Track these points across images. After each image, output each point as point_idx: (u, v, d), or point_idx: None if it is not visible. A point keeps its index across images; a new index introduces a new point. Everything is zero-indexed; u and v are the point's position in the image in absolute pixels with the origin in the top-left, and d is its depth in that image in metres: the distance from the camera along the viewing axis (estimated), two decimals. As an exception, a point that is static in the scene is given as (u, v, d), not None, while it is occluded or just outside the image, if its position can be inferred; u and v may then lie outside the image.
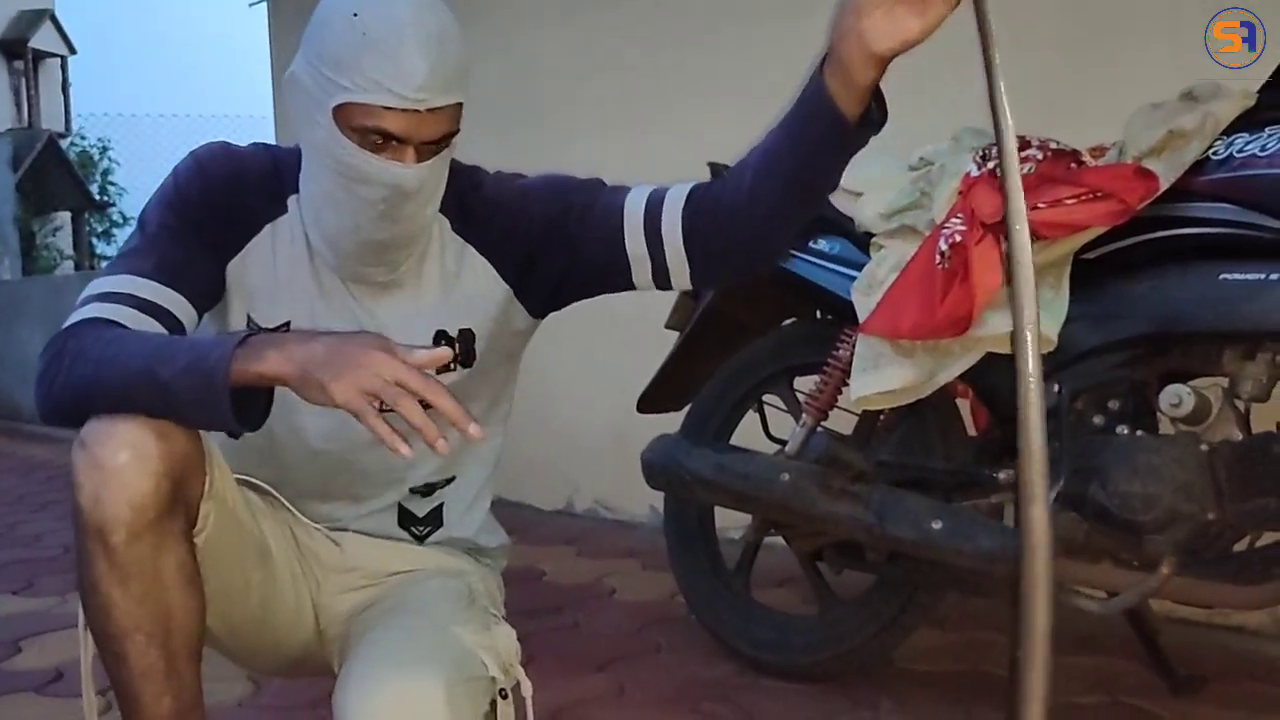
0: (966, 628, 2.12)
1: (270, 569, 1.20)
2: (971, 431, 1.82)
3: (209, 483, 1.06)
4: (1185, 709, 1.73)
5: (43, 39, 18.16)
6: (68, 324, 1.07)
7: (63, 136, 17.01)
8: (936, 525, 1.58)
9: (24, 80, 17.97)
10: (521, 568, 2.63)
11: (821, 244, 1.82)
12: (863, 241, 1.77)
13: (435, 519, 1.30)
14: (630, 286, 1.20)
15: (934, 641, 2.05)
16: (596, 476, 3.31)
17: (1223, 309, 1.42)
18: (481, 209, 1.21)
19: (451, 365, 1.21)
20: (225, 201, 1.16)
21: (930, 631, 2.02)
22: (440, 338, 1.20)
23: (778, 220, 1.09)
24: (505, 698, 1.11)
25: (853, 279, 1.72)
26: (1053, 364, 1.54)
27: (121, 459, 0.98)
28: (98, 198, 17.36)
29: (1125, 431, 1.51)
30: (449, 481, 1.29)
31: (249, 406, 1.01)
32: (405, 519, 1.29)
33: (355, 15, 1.04)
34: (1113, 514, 1.47)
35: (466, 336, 1.22)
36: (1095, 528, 1.50)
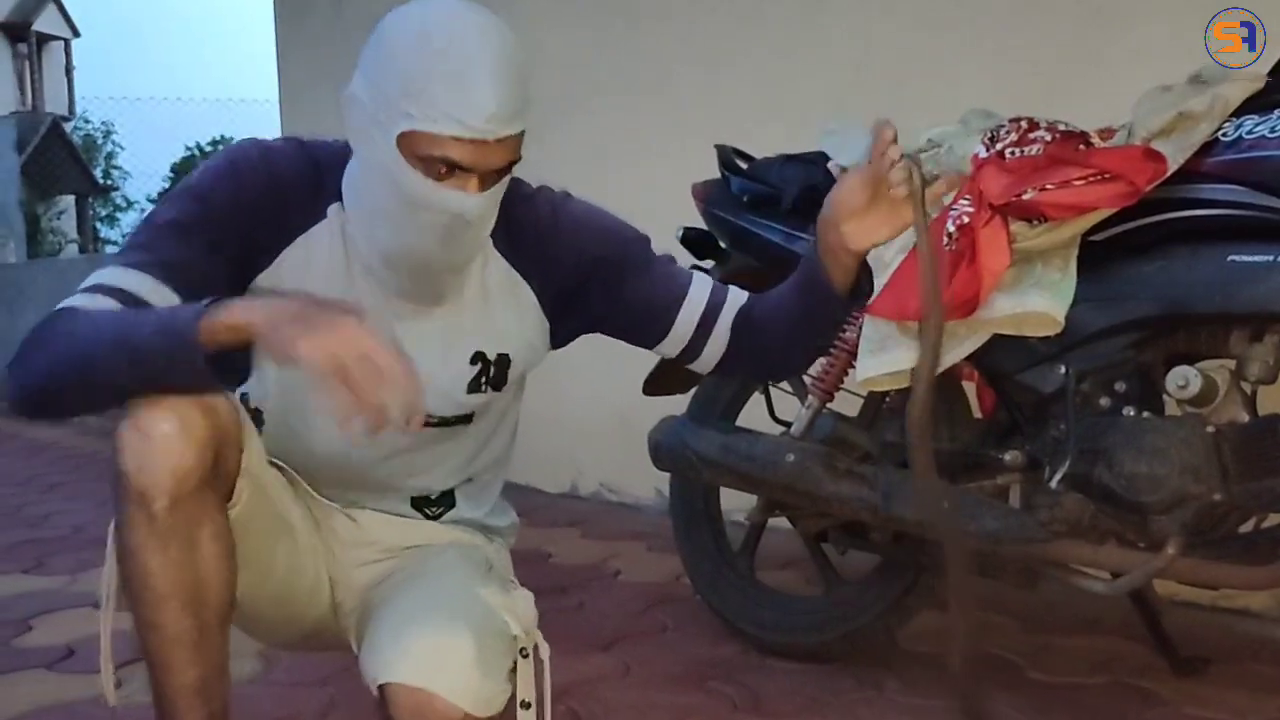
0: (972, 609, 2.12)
1: (293, 543, 1.22)
2: (977, 414, 1.83)
3: (245, 457, 1.08)
4: (1188, 690, 1.73)
5: (46, 22, 18.14)
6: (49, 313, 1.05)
7: (66, 120, 17.02)
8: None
9: (27, 63, 17.96)
10: (527, 549, 2.64)
11: (829, 226, 1.82)
12: (870, 223, 1.77)
13: (448, 501, 1.33)
14: (646, 347, 1.28)
15: (938, 623, 2.05)
16: (601, 459, 3.32)
17: (1230, 291, 1.42)
18: (533, 232, 1.21)
19: (483, 388, 1.23)
20: (256, 215, 1.14)
21: (934, 613, 2.03)
22: (478, 359, 1.21)
23: (791, 352, 1.26)
24: (526, 657, 1.14)
25: (860, 261, 1.72)
26: (1060, 346, 1.54)
27: (166, 427, 0.99)
28: (101, 181, 17.37)
29: (1132, 413, 1.51)
30: (466, 481, 1.33)
31: (222, 367, 0.99)
32: (418, 503, 1.32)
33: (422, 39, 1.02)
34: (1119, 495, 1.48)
35: (503, 361, 1.23)
36: (1101, 509, 1.51)
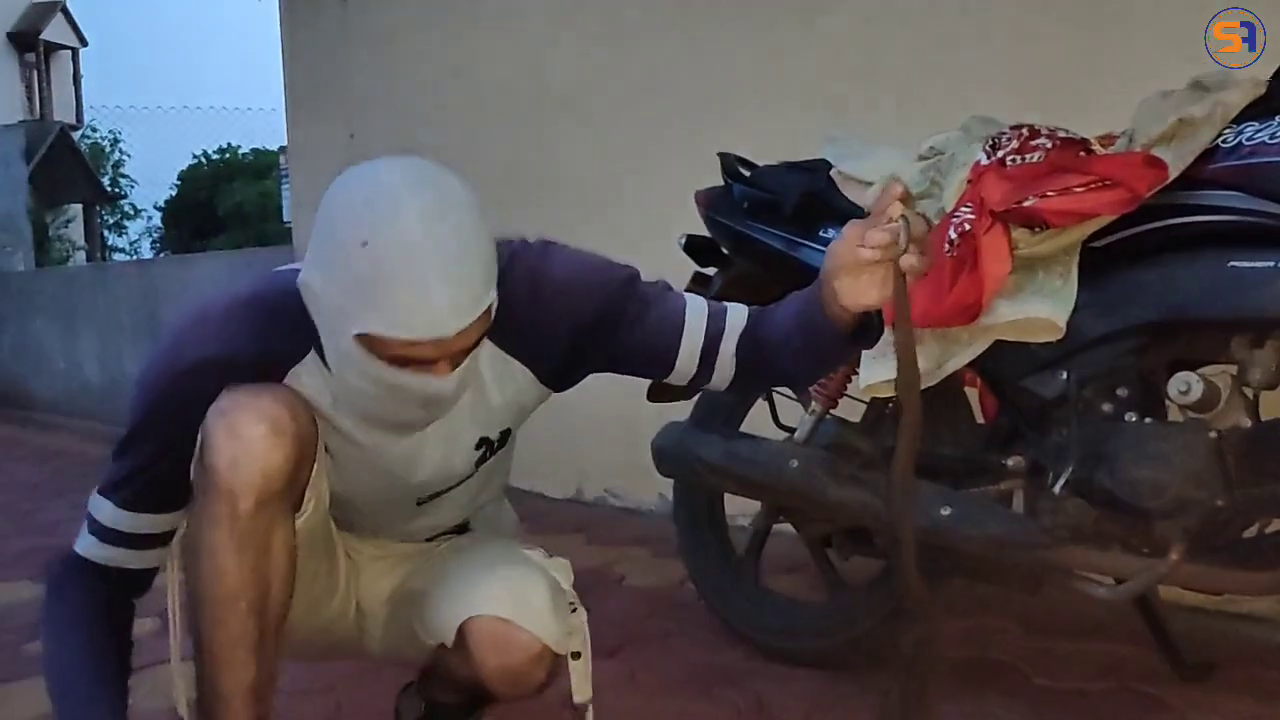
0: (974, 614, 2.13)
1: (332, 559, 1.26)
2: (980, 419, 1.83)
3: (315, 471, 1.11)
4: (1193, 695, 1.73)
5: (54, 31, 18.22)
6: (71, 552, 1.22)
7: (74, 128, 17.07)
8: (945, 511, 1.59)
9: (35, 72, 18.04)
10: (532, 555, 2.65)
11: (830, 234, 1.82)
12: (872, 230, 1.77)
13: (461, 529, 1.38)
14: (653, 379, 1.27)
15: (943, 628, 2.05)
16: (606, 464, 3.33)
17: (1231, 296, 1.42)
18: (515, 313, 1.13)
19: (489, 457, 1.25)
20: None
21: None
22: (482, 443, 1.22)
23: (799, 374, 1.25)
24: (574, 610, 1.21)
25: (862, 267, 1.73)
26: (1061, 351, 1.55)
27: (260, 430, 1.03)
28: (109, 189, 17.42)
29: (1134, 419, 1.51)
30: (475, 513, 1.37)
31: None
32: (434, 538, 1.37)
33: (365, 244, 0.96)
34: (1122, 500, 1.48)
35: (505, 434, 1.25)
36: (1104, 514, 1.51)
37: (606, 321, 1.15)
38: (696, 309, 1.18)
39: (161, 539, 1.21)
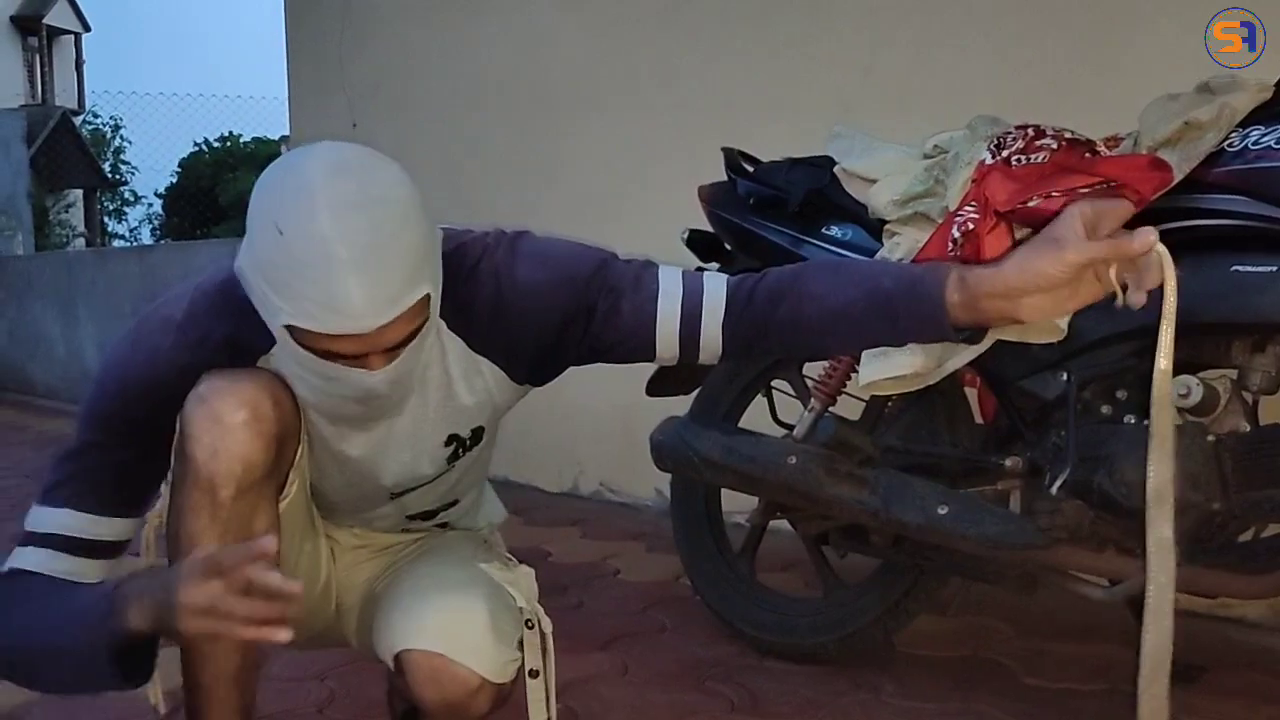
0: (969, 613, 2.13)
1: (315, 544, 1.25)
2: (979, 419, 1.83)
3: (300, 453, 1.10)
4: (1184, 699, 1.73)
5: (57, 15, 18.20)
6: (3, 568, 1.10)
7: (76, 114, 17.06)
8: (942, 510, 1.59)
9: (38, 57, 18.02)
10: (527, 548, 2.65)
11: (834, 231, 1.82)
12: (875, 229, 1.77)
13: (440, 523, 1.35)
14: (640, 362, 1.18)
15: (937, 627, 2.06)
16: (602, 459, 3.33)
17: (1233, 301, 1.42)
18: (483, 313, 1.11)
19: (462, 454, 1.21)
20: (169, 410, 1.06)
21: (933, 616, 2.04)
22: (452, 440, 1.19)
23: (836, 349, 1.18)
24: (531, 628, 1.17)
25: (864, 265, 1.73)
26: (1062, 353, 1.55)
27: (241, 416, 1.01)
28: (110, 175, 17.41)
29: (1132, 421, 1.51)
30: (451, 504, 1.32)
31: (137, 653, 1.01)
32: (410, 532, 1.35)
33: (281, 232, 0.93)
34: (1118, 502, 1.48)
35: (478, 432, 1.21)
36: (1101, 515, 1.51)
37: (578, 319, 1.10)
38: (670, 295, 1.10)
39: (91, 545, 1.14)
